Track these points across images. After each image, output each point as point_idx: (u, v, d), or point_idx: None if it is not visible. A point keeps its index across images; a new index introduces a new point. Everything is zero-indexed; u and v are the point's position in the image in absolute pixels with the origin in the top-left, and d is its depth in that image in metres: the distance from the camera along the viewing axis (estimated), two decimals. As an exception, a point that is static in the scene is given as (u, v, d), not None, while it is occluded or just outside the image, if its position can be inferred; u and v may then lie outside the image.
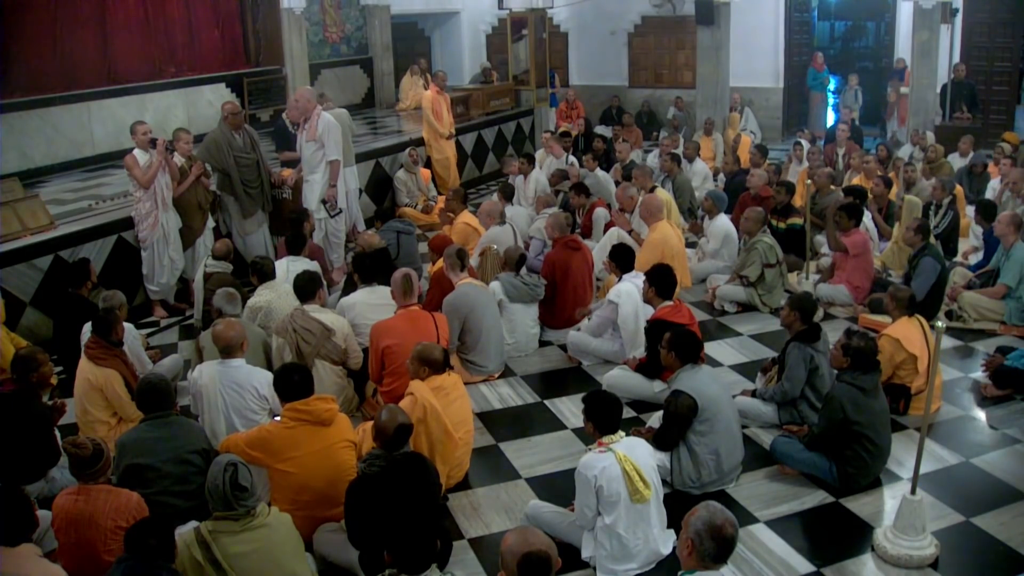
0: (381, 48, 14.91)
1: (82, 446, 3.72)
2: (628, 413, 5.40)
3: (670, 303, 5.55)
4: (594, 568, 3.97)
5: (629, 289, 6.02)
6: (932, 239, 7.03)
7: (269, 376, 4.75)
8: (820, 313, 6.66)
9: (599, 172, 9.87)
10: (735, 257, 7.66)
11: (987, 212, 7.71)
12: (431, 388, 4.56)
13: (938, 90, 12.44)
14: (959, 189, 8.59)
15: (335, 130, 7.88)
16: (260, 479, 4.28)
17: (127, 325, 5.57)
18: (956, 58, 12.93)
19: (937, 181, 8.33)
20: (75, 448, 3.71)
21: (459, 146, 11.90)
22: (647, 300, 5.72)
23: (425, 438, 4.46)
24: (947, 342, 6.33)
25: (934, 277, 6.53)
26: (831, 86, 15.51)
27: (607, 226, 8.20)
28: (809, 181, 8.47)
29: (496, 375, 6.17)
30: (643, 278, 5.78)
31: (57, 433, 4.81)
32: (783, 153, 12.31)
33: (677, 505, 4.12)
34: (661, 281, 5.56)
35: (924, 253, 6.64)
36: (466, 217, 8.08)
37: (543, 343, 6.71)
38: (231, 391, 4.71)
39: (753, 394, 5.40)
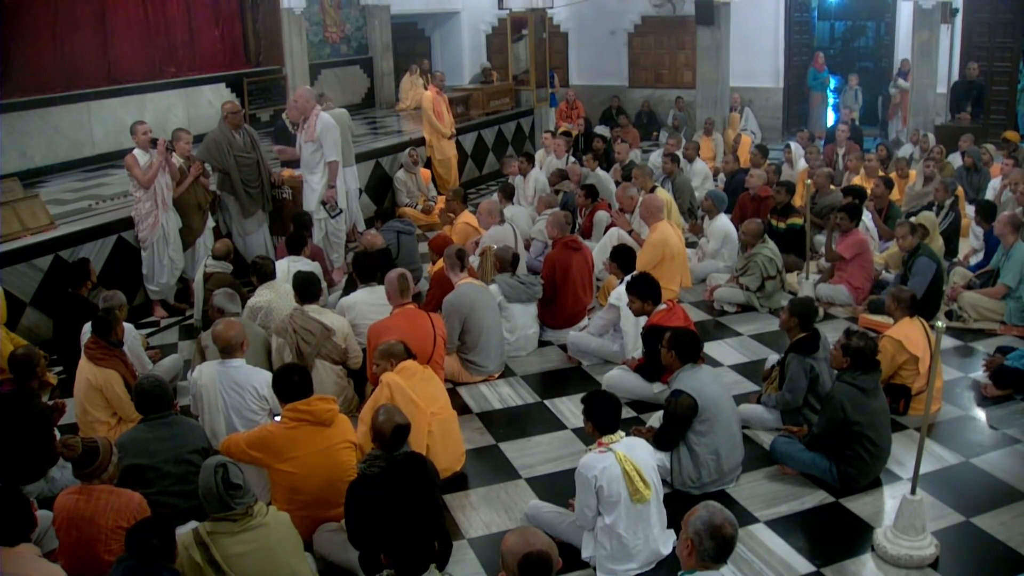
0: (381, 48, 14.92)
1: (71, 446, 3.73)
2: (628, 413, 5.40)
3: (663, 307, 5.48)
4: (594, 568, 3.97)
5: (630, 291, 5.99)
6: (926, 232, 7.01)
7: (269, 376, 4.76)
8: (820, 313, 6.65)
9: (599, 172, 9.87)
10: (735, 257, 7.66)
11: (987, 213, 7.69)
12: (396, 372, 4.66)
13: (944, 89, 12.40)
14: (960, 190, 8.58)
15: (333, 131, 7.87)
16: (260, 479, 4.29)
17: (127, 325, 5.58)
18: (956, 58, 12.91)
19: (939, 182, 8.32)
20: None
21: (459, 146, 11.89)
22: (636, 312, 5.58)
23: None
24: (947, 342, 6.33)
25: (930, 276, 6.52)
26: (831, 86, 15.51)
27: (607, 227, 8.20)
28: (809, 181, 8.47)
29: (496, 375, 6.16)
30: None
31: (57, 433, 4.81)
32: (783, 153, 12.29)
33: (677, 505, 4.12)
34: (644, 289, 5.47)
35: (919, 253, 6.64)
36: (466, 217, 8.07)
37: (543, 343, 6.70)
38: (231, 391, 4.71)
39: (758, 399, 5.40)
